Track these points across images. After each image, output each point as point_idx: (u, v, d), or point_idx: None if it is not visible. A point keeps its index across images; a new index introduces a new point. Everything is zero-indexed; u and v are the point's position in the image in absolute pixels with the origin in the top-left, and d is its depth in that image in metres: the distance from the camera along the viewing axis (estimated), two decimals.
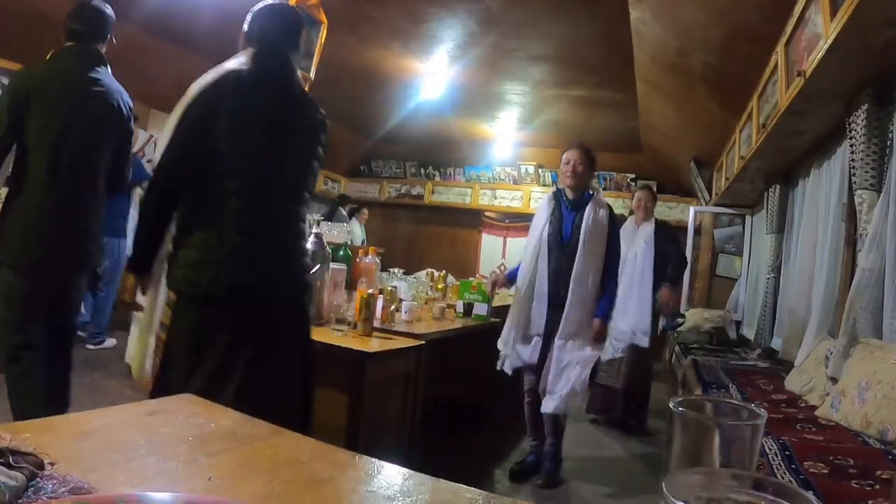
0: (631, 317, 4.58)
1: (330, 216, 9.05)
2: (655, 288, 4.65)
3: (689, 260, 6.43)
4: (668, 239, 4.86)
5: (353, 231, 9.64)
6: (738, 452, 0.61)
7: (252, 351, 2.10)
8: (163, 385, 2.11)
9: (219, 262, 2.06)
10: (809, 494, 0.46)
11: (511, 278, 3.80)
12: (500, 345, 3.59)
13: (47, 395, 2.77)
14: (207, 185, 2.12)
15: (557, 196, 3.65)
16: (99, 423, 1.03)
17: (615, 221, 3.64)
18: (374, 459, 1.01)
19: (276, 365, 2.18)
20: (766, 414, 0.63)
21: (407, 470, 0.99)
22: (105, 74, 2.87)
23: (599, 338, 3.49)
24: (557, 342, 3.42)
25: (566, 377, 3.37)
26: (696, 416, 0.63)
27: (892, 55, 2.74)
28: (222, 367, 2.06)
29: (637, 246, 4.75)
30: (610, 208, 3.63)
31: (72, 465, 0.82)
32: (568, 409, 3.49)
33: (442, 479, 0.98)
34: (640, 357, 4.67)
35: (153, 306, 2.37)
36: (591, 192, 3.61)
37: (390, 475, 0.98)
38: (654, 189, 5.32)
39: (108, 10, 2.93)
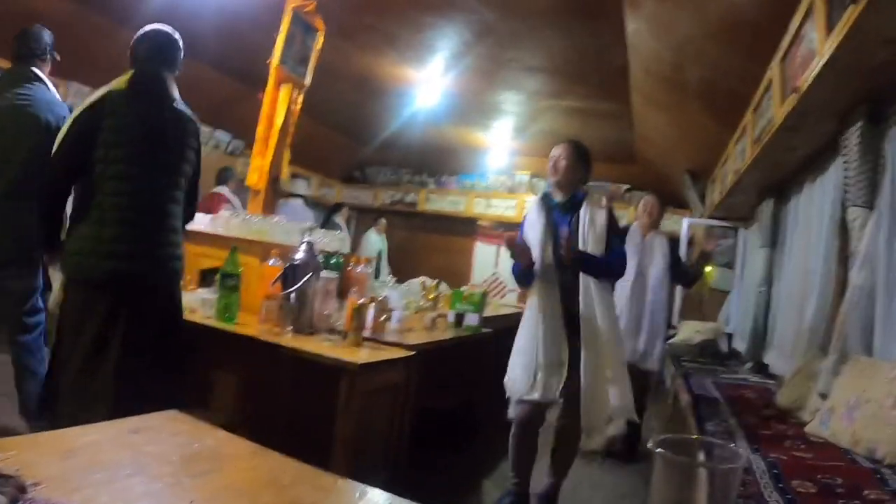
0: (644, 337, 4.33)
1: (324, 224, 9.04)
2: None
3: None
4: (676, 256, 4.66)
5: (371, 241, 9.62)
6: (719, 493, 0.60)
7: (127, 327, 2.50)
8: (57, 351, 2.56)
9: (99, 252, 2.49)
10: None
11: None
12: (508, 384, 3.16)
13: None
14: (91, 186, 2.54)
15: (546, 200, 3.28)
16: (84, 440, 1.03)
17: (616, 221, 3.28)
18: (358, 484, 1.01)
19: (148, 341, 2.57)
20: (745, 455, 0.63)
21: (390, 495, 0.99)
22: (35, 90, 3.06)
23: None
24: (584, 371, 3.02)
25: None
26: (677, 458, 0.62)
27: (887, 73, 2.75)
28: (101, 339, 2.47)
29: (654, 260, 4.47)
30: (611, 210, 3.25)
31: (56, 485, 0.81)
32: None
33: None
34: (641, 376, 4.30)
35: None
36: (583, 192, 3.24)
37: (374, 500, 0.98)
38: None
39: (46, 34, 3.21)
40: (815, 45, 2.82)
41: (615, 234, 3.22)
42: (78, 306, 2.53)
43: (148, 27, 2.79)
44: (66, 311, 2.58)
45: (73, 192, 2.62)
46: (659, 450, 0.60)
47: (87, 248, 2.49)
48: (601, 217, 3.16)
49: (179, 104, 2.80)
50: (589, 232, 3.12)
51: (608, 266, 3.17)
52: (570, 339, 3.07)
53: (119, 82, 2.62)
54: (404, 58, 6.56)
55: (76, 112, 2.58)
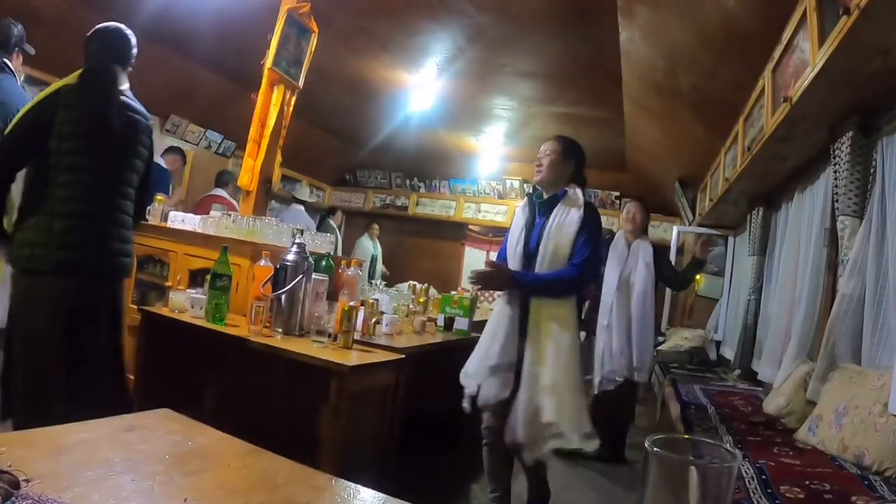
0: (633, 351, 4.23)
1: (318, 227, 9.04)
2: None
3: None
4: (664, 263, 4.59)
5: (364, 246, 9.62)
6: (712, 494, 0.60)
7: (77, 319, 2.60)
8: (8, 336, 2.64)
9: (50, 243, 2.56)
10: None
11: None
12: (462, 378, 3.00)
13: None
14: (41, 178, 2.61)
15: (531, 198, 3.12)
16: (76, 437, 1.02)
17: (592, 222, 2.94)
18: (350, 483, 1.01)
19: (98, 333, 2.70)
20: (740, 455, 0.63)
21: (383, 495, 0.99)
22: (3, 79, 3.26)
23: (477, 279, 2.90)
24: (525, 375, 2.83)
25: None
26: (672, 456, 0.62)
27: (878, 84, 2.76)
28: (50, 324, 2.55)
29: (636, 268, 4.38)
30: (589, 207, 2.96)
31: (48, 481, 0.81)
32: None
33: None
34: (630, 385, 4.33)
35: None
36: (565, 190, 2.99)
37: (366, 499, 0.98)
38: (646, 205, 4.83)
39: (17, 28, 3.36)
40: (808, 55, 2.84)
41: (588, 239, 2.90)
42: (28, 297, 2.61)
43: (101, 24, 2.87)
44: (15, 302, 2.64)
45: (25, 183, 2.70)
46: (655, 449, 0.60)
47: (39, 240, 2.56)
48: (574, 217, 2.90)
49: (131, 100, 2.88)
50: (554, 233, 2.90)
51: (556, 281, 2.88)
52: (521, 342, 2.88)
53: (71, 77, 2.71)
54: (398, 61, 6.56)
55: (28, 105, 2.67)
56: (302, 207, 7.51)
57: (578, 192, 2.99)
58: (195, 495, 0.88)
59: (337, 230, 9.27)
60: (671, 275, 4.72)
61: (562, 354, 2.82)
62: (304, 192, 8.06)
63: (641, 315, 4.31)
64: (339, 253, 8.60)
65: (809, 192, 4.34)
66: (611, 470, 4.23)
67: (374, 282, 5.51)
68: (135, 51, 2.93)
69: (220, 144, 8.57)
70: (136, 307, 3.35)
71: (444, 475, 3.56)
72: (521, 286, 2.88)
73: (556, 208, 2.94)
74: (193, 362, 3.02)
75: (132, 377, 3.01)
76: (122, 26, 2.88)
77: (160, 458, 1.00)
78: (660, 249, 4.69)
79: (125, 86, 2.88)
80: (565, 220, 2.90)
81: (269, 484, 0.97)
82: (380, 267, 9.79)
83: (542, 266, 2.88)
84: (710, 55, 4.17)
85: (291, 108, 4.46)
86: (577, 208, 2.92)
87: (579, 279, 2.90)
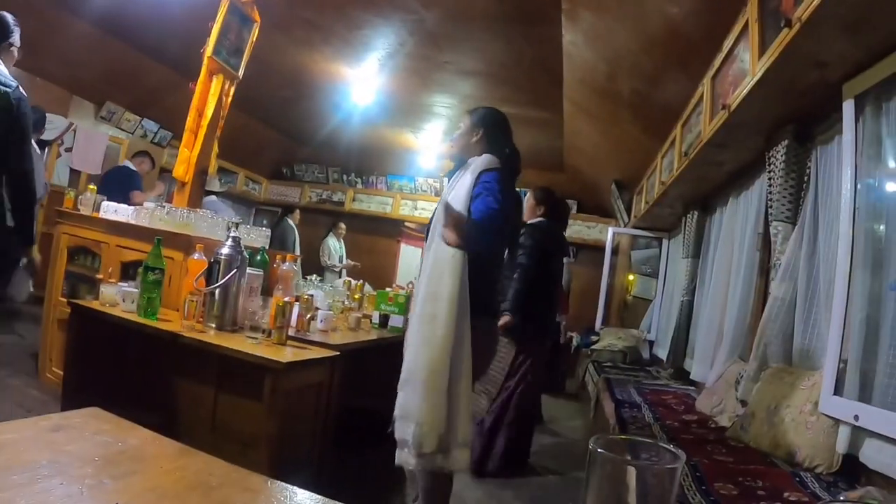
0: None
1: (275, 226, 8.93)
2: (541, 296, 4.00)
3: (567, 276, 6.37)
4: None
5: (330, 246, 9.53)
6: (655, 494, 0.60)
7: None
8: None
9: None
10: None
11: None
12: None
13: None
14: None
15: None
16: (1, 439, 0.97)
17: (487, 182, 2.50)
18: (286, 485, 1.00)
19: None
20: (684, 456, 0.63)
21: (319, 496, 0.98)
22: None
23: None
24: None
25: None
26: (616, 457, 0.62)
27: (815, 94, 2.86)
28: None
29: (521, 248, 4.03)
30: (493, 171, 2.54)
31: None
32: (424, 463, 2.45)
33: None
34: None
35: None
36: (469, 160, 2.66)
37: (302, 501, 0.97)
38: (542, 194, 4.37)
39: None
40: (747, 65, 2.92)
41: (482, 192, 2.48)
42: None
43: None
44: None
45: None
46: (599, 450, 0.60)
47: None
48: (466, 181, 2.54)
49: None
50: (443, 204, 2.50)
51: (476, 226, 2.40)
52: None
53: None
54: (340, 55, 6.49)
55: None
56: (214, 197, 7.39)
57: (485, 158, 2.60)
58: (126, 499, 0.85)
59: (295, 229, 9.21)
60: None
61: (432, 341, 2.40)
62: (213, 183, 7.96)
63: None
64: (298, 251, 8.55)
65: (744, 197, 4.47)
66: (510, 485, 3.81)
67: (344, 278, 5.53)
68: (8, 30, 2.96)
69: (156, 134, 8.40)
70: (65, 300, 3.22)
71: (380, 471, 3.52)
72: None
73: (453, 178, 2.68)
74: (124, 358, 2.92)
75: (60, 372, 2.90)
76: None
77: (89, 459, 0.97)
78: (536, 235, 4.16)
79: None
80: (456, 187, 2.58)
81: (203, 486, 0.95)
82: (347, 262, 9.65)
83: (429, 249, 2.54)
84: (652, 61, 4.25)
85: (230, 99, 4.35)
86: (471, 172, 2.55)
87: (481, 225, 2.40)
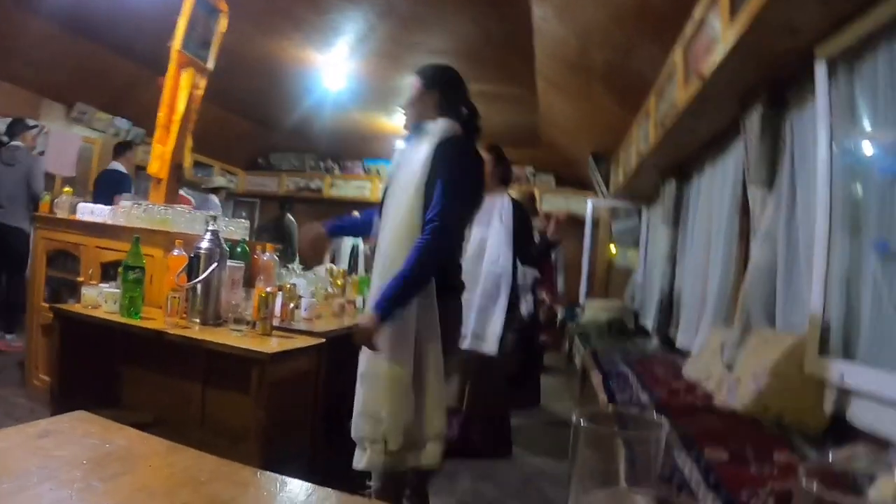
0: (473, 315, 3.79)
1: (275, 224, 8.83)
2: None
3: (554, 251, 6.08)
4: (522, 231, 4.00)
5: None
6: (642, 463, 0.61)
7: None
8: None
9: None
10: None
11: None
12: None
13: None
14: None
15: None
16: None
17: (445, 158, 2.23)
18: (276, 475, 1.00)
19: None
20: (667, 425, 0.64)
21: (310, 485, 0.98)
22: None
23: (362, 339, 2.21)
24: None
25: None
26: (600, 428, 0.63)
27: (787, 60, 2.86)
28: None
29: (491, 224, 3.92)
30: (449, 140, 2.28)
31: None
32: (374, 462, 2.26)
33: (344, 493, 0.98)
34: (486, 365, 3.91)
35: None
36: (425, 125, 2.38)
37: (293, 491, 0.97)
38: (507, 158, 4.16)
39: None
40: (719, 33, 2.91)
41: (444, 183, 2.20)
42: None
43: None
44: None
45: None
46: (582, 422, 0.60)
47: None
48: (422, 154, 2.26)
49: None
50: (399, 172, 2.36)
51: (405, 280, 2.16)
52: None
53: None
54: (309, 41, 6.43)
55: None
56: (214, 196, 7.36)
57: (442, 124, 2.33)
58: (116, 500, 0.86)
59: (295, 225, 9.12)
60: (523, 248, 4.02)
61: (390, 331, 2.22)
62: (219, 180, 7.93)
63: (489, 273, 3.86)
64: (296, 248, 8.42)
65: (721, 163, 4.48)
66: (497, 469, 3.81)
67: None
68: None
69: (128, 132, 8.30)
70: (47, 305, 3.19)
71: None
72: (383, 316, 2.17)
73: (406, 148, 2.43)
74: (110, 359, 2.90)
75: (47, 378, 2.87)
76: None
77: (78, 463, 0.97)
78: (525, 213, 4.16)
79: None
80: (412, 161, 2.30)
81: (193, 482, 0.95)
82: (362, 249, 9.32)
83: (384, 229, 2.33)
84: (623, 32, 4.24)
85: (201, 92, 4.29)
86: (431, 138, 2.29)
87: (435, 244, 2.18)
